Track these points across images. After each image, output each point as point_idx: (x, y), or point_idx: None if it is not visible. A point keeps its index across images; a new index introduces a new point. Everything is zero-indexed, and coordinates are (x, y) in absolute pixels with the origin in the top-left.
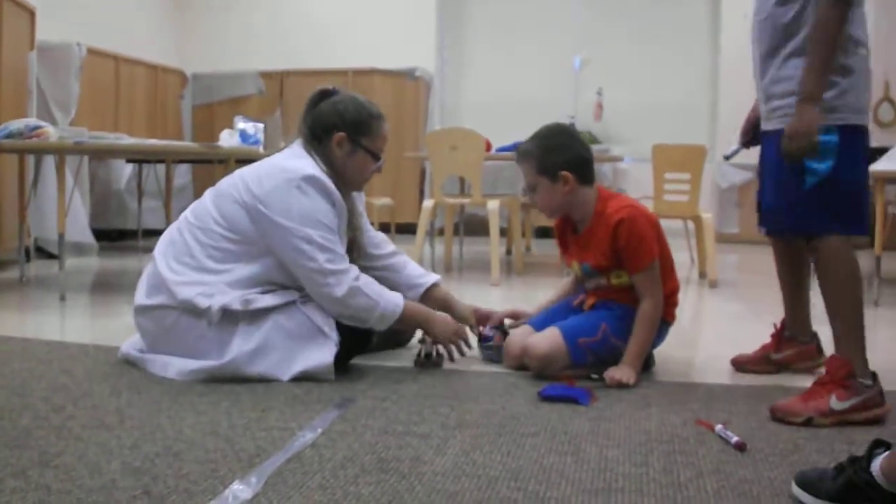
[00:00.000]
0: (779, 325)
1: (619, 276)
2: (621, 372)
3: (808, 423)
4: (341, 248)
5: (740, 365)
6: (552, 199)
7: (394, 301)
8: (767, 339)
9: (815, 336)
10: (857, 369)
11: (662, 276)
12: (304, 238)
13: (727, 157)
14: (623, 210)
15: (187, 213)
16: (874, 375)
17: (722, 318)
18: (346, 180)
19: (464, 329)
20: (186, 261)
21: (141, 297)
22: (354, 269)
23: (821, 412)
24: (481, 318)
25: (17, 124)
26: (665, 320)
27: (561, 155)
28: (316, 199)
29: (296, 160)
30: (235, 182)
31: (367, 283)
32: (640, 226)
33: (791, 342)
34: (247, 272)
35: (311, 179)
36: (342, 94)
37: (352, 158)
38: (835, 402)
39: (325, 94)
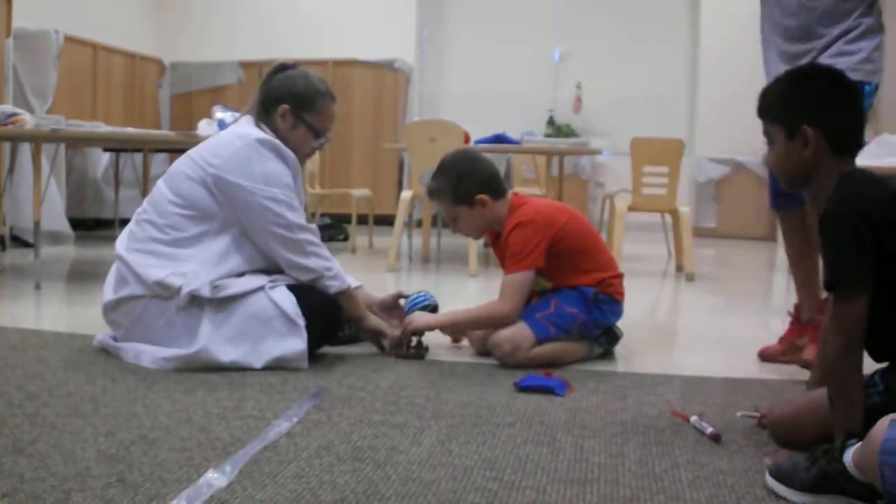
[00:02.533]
0: (794, 312)
1: (536, 283)
2: (419, 316)
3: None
4: (300, 207)
5: (769, 356)
6: (475, 223)
7: (343, 276)
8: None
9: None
10: None
11: (590, 266)
12: (271, 198)
13: None
14: (519, 217)
15: (144, 204)
16: None
17: (698, 311)
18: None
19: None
20: (151, 249)
21: (108, 294)
22: (315, 229)
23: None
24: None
25: None
26: (615, 298)
27: (471, 180)
28: (273, 161)
29: (245, 128)
30: (186, 161)
31: (326, 252)
32: (524, 233)
33: (810, 324)
34: (214, 249)
35: (265, 142)
36: (297, 70)
37: (293, 132)
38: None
39: (280, 69)
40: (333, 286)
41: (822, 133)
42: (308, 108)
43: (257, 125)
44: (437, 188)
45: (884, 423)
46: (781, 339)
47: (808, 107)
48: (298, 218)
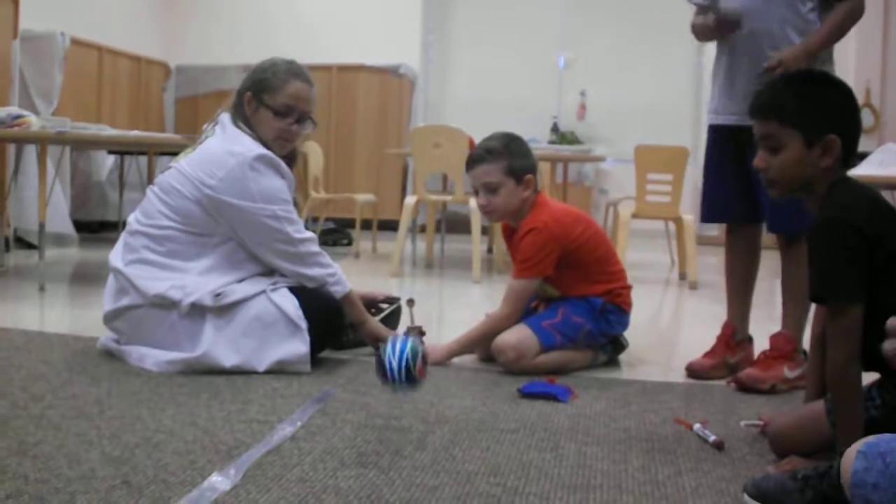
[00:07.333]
0: (727, 330)
1: (543, 291)
2: (434, 349)
3: (772, 389)
4: (300, 219)
5: (696, 372)
6: (512, 201)
7: (343, 279)
8: (755, 342)
9: (752, 338)
10: (798, 346)
11: (600, 277)
12: (271, 216)
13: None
14: (537, 222)
15: (137, 215)
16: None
17: (701, 319)
18: (265, 143)
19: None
20: (148, 259)
21: (108, 303)
22: (315, 237)
23: (780, 379)
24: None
25: None
26: (622, 309)
27: (527, 159)
28: (270, 177)
29: (237, 142)
30: (178, 176)
31: (325, 256)
32: (538, 241)
33: (741, 344)
34: (213, 261)
35: (261, 158)
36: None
37: (256, 117)
38: (787, 372)
39: None
40: (337, 291)
41: (840, 143)
42: (265, 88)
43: (233, 121)
44: (495, 151)
45: (851, 454)
46: (709, 355)
47: (832, 115)
48: (299, 231)
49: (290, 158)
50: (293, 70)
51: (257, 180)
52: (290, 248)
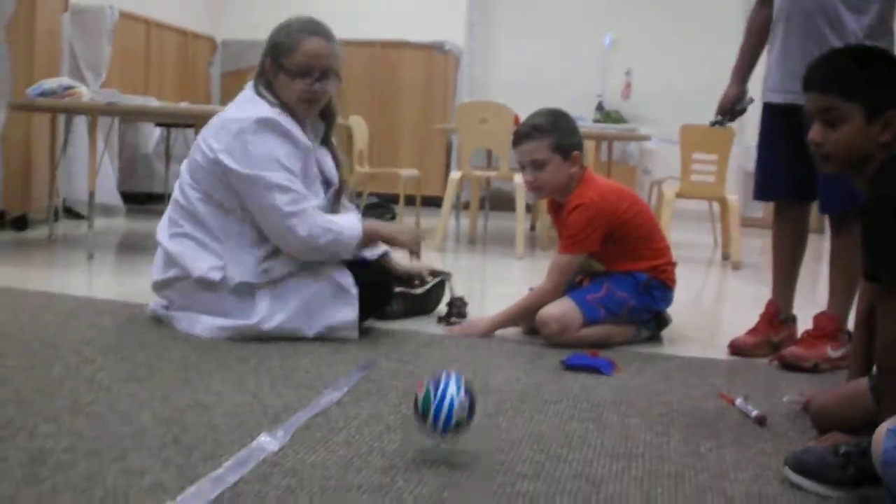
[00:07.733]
0: (771, 308)
1: (589, 265)
2: (468, 324)
3: (814, 367)
4: (303, 188)
5: (740, 349)
6: (559, 177)
7: (351, 226)
8: (798, 321)
9: (795, 318)
10: (843, 326)
11: (645, 253)
12: (264, 183)
13: (713, 124)
14: (583, 198)
15: (175, 188)
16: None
17: (744, 299)
18: (290, 108)
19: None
20: (186, 233)
21: (157, 273)
22: (312, 204)
23: (822, 358)
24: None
25: (50, 83)
26: (667, 285)
27: (574, 136)
28: (271, 141)
29: (249, 107)
30: (196, 146)
31: (324, 220)
32: (584, 217)
33: (785, 323)
34: (244, 236)
35: (262, 122)
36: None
37: (277, 82)
38: (830, 351)
39: None
40: (349, 248)
41: None
42: (281, 51)
43: (258, 93)
44: (542, 128)
45: (881, 432)
46: (752, 332)
47: (893, 90)
48: (294, 203)
49: (328, 118)
50: (307, 28)
51: (255, 144)
52: (282, 220)
